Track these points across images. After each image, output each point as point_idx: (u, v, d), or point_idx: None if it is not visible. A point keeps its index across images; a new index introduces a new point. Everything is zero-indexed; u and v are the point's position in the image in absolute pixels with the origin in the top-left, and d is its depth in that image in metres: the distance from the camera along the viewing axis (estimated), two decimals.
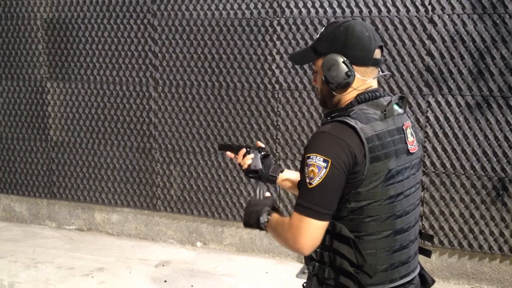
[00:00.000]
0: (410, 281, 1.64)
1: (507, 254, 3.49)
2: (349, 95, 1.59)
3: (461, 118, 3.48)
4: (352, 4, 3.60)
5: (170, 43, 4.11)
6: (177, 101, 4.16)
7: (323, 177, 1.46)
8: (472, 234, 3.54)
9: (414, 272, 1.66)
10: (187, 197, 4.25)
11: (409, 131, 1.59)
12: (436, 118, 3.53)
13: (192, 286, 3.65)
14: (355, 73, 1.55)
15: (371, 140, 1.47)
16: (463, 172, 3.51)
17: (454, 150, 3.52)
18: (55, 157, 4.64)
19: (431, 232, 3.62)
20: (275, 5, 3.80)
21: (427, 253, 1.80)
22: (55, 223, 4.80)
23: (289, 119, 3.88)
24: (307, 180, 1.49)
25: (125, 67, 4.28)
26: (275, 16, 3.81)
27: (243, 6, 3.88)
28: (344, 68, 1.54)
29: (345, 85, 1.57)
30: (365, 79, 1.58)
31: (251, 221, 1.73)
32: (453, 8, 3.40)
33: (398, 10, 3.51)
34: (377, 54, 1.59)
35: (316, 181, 1.47)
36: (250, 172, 1.97)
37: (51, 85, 4.55)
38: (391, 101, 1.56)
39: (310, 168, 1.48)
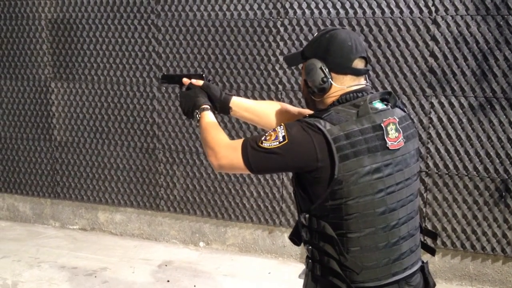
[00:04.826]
0: (405, 279, 1.62)
1: (510, 256, 3.49)
2: (328, 100, 1.64)
3: (464, 120, 3.48)
4: (356, 5, 3.60)
5: (174, 44, 4.13)
6: None
7: (272, 147, 1.56)
8: (475, 235, 3.54)
9: (410, 269, 1.63)
10: (190, 197, 4.26)
11: (391, 127, 1.58)
12: (439, 119, 3.53)
13: (195, 286, 3.66)
14: (332, 80, 1.61)
15: (338, 139, 1.50)
16: (466, 174, 3.51)
17: (457, 151, 3.52)
18: (59, 157, 4.66)
19: None
20: (278, 6, 3.80)
21: (431, 250, 1.80)
22: (59, 222, 4.81)
23: None
24: (262, 138, 1.59)
25: (129, 68, 4.30)
26: (279, 17, 3.82)
27: (247, 7, 3.89)
28: (320, 73, 1.61)
29: (321, 90, 1.63)
30: (342, 87, 1.62)
31: (187, 106, 1.91)
32: (456, 9, 3.40)
33: (401, 12, 3.51)
34: (358, 64, 1.63)
35: (265, 145, 1.57)
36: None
37: (55, 85, 4.57)
38: (366, 100, 1.58)
39: (271, 132, 1.59)
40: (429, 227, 3.62)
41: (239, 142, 1.64)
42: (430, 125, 3.55)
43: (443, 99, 3.50)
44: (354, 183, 1.51)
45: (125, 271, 3.89)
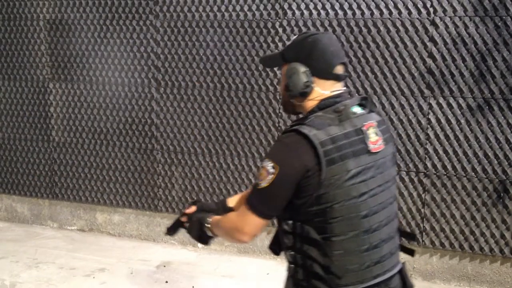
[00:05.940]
0: (385, 282, 1.63)
1: (508, 256, 3.50)
2: (308, 103, 1.66)
3: (462, 120, 3.49)
4: (354, 6, 3.61)
5: (173, 44, 4.13)
6: (179, 102, 4.17)
7: (270, 181, 1.55)
8: (473, 236, 3.55)
9: (390, 271, 1.65)
10: (188, 198, 4.26)
11: (372, 131, 1.61)
12: (438, 120, 3.53)
13: (193, 287, 3.66)
14: (314, 84, 1.63)
15: (324, 144, 1.51)
16: (464, 174, 3.52)
17: (455, 152, 3.53)
18: (57, 157, 4.66)
19: (432, 234, 3.62)
20: (277, 6, 3.81)
21: (410, 252, 1.82)
22: (57, 223, 4.81)
23: (291, 121, 3.88)
24: (257, 181, 1.60)
25: (127, 68, 4.30)
26: (277, 18, 3.82)
27: (246, 8, 3.89)
28: (303, 78, 1.62)
29: (303, 94, 1.64)
30: (324, 92, 1.64)
31: (196, 229, 1.90)
32: (454, 10, 3.40)
33: (400, 12, 3.52)
34: (339, 70, 1.65)
35: (263, 184, 1.57)
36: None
37: (53, 86, 4.56)
38: (346, 104, 1.60)
39: (261, 171, 1.59)
40: (427, 228, 3.63)
41: (243, 207, 1.65)
42: (429, 126, 3.56)
43: (441, 100, 3.51)
44: (340, 187, 1.52)
45: (124, 272, 3.88)
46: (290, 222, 1.61)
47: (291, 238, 1.62)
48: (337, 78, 1.65)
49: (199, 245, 4.32)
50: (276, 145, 1.62)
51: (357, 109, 1.63)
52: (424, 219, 3.64)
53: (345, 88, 1.70)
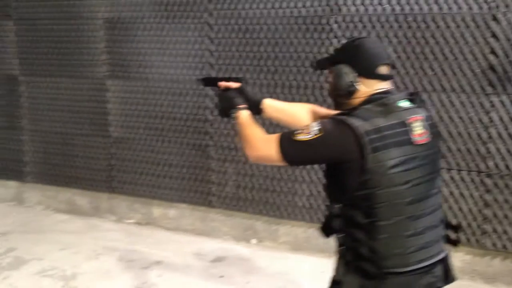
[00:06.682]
0: (430, 267, 1.73)
1: None
2: (355, 101, 1.77)
3: None
4: (412, 1, 3.51)
5: (227, 42, 4.15)
6: None
7: (307, 139, 1.68)
8: None
9: (434, 258, 1.74)
10: (242, 194, 4.29)
11: (417, 124, 1.70)
12: (500, 118, 3.41)
13: (247, 282, 3.69)
14: (358, 83, 1.76)
15: (369, 133, 1.62)
16: None
17: None
18: (115, 152, 4.79)
19: (494, 236, 3.51)
20: (332, 2, 3.75)
21: (454, 243, 1.89)
22: (115, 216, 4.95)
23: None
24: (297, 131, 1.72)
25: (182, 66, 4.35)
26: (332, 14, 3.77)
27: (299, 4, 3.86)
28: (348, 78, 1.76)
29: (349, 93, 1.77)
30: (368, 90, 1.76)
31: (224, 104, 2.09)
32: None
33: (459, 8, 3.40)
34: (382, 70, 1.78)
35: (300, 137, 1.70)
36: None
37: (111, 83, 4.68)
38: (393, 98, 1.72)
39: (306, 126, 1.72)
40: (489, 229, 3.52)
41: (274, 136, 1.78)
42: (490, 124, 3.44)
43: (504, 98, 3.38)
44: (383, 174, 1.62)
45: (179, 265, 3.96)
46: (339, 205, 1.73)
47: (340, 221, 1.74)
48: (381, 77, 1.77)
49: (253, 241, 4.36)
50: (329, 120, 1.72)
51: (405, 103, 1.74)
52: (486, 220, 3.53)
53: (391, 86, 1.80)
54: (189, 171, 4.48)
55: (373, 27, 3.64)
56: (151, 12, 4.40)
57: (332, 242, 4.13)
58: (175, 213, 4.67)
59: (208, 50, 4.23)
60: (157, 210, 4.74)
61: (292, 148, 1.72)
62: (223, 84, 2.16)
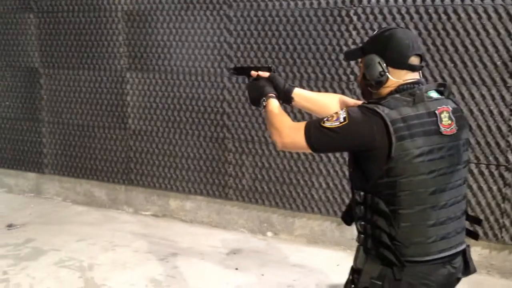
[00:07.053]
0: (450, 258, 1.73)
1: None
2: (384, 91, 1.77)
3: None
4: None
5: (245, 34, 4.15)
6: None
7: (334, 127, 1.69)
8: None
9: (455, 248, 1.74)
10: (258, 187, 4.29)
11: (445, 115, 1.71)
12: None
13: (262, 275, 3.69)
14: (388, 73, 1.76)
15: (395, 122, 1.64)
16: None
17: None
18: (133, 145, 4.82)
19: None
20: None
21: (474, 236, 1.91)
22: (132, 208, 4.98)
23: None
24: (325, 119, 1.74)
25: (200, 58, 4.36)
26: (352, 5, 3.75)
27: None
28: (378, 68, 1.76)
29: (378, 83, 1.78)
30: (398, 80, 1.75)
31: (255, 93, 2.09)
32: None
33: None
34: (414, 61, 1.77)
35: (327, 125, 1.71)
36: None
37: (130, 75, 4.71)
38: (422, 89, 1.72)
39: (333, 114, 1.74)
40: (507, 223, 3.46)
41: (302, 123, 1.80)
42: (511, 117, 3.38)
43: None
44: (408, 162, 1.64)
45: (195, 257, 3.97)
46: (362, 193, 1.74)
47: (362, 208, 1.75)
48: (412, 68, 1.77)
49: (269, 234, 4.35)
50: (356, 108, 1.73)
51: (434, 94, 1.75)
52: (504, 214, 3.48)
53: (420, 77, 1.80)
54: (206, 163, 4.49)
55: (394, 18, 3.61)
56: (170, 4, 4.42)
57: (347, 235, 4.12)
58: (191, 205, 4.68)
59: (227, 42, 4.23)
60: (174, 202, 4.76)
61: (319, 135, 1.73)
62: (253, 73, 2.18)
